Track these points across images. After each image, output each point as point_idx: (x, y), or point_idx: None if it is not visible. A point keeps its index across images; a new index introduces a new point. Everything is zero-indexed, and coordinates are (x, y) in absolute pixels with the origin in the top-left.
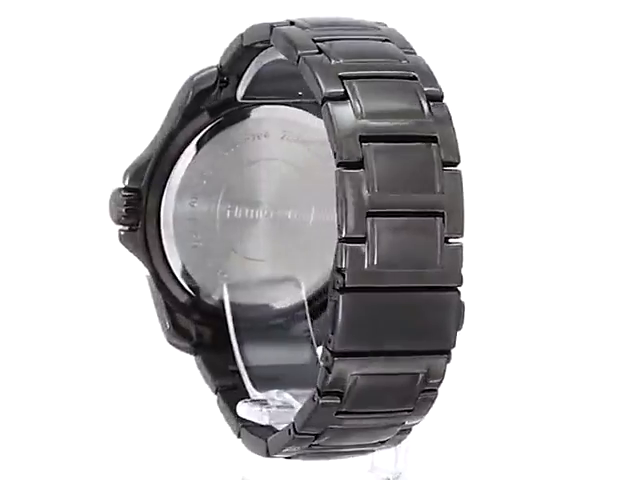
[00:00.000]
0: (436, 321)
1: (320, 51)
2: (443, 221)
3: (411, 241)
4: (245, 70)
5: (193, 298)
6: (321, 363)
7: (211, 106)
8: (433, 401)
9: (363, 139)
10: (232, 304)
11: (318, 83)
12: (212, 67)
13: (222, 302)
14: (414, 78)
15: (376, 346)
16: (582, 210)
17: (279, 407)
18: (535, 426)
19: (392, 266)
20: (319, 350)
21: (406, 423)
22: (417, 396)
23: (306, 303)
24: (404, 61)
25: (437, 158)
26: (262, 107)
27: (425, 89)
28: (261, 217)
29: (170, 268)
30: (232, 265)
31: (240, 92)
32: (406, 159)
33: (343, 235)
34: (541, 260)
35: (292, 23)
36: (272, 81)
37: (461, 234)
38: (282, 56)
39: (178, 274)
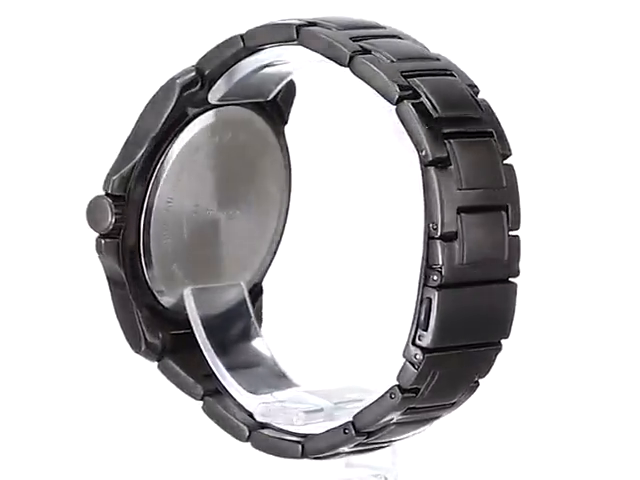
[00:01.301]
0: (502, 312)
1: (365, 50)
2: (507, 214)
3: (489, 235)
4: (225, 72)
5: (160, 304)
6: (404, 359)
7: (188, 108)
8: (474, 392)
9: (445, 136)
10: (193, 308)
11: (387, 82)
12: (190, 69)
13: (182, 306)
14: (453, 75)
15: (460, 341)
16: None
17: (311, 411)
18: (532, 426)
19: (476, 261)
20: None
21: (442, 416)
22: (468, 388)
23: (248, 300)
24: (436, 59)
25: (498, 152)
26: (222, 109)
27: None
28: (213, 219)
29: (144, 275)
30: (193, 269)
31: (217, 95)
32: (480, 154)
33: (439, 233)
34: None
35: (312, 24)
36: (242, 83)
37: (519, 226)
38: (273, 59)
39: (150, 281)
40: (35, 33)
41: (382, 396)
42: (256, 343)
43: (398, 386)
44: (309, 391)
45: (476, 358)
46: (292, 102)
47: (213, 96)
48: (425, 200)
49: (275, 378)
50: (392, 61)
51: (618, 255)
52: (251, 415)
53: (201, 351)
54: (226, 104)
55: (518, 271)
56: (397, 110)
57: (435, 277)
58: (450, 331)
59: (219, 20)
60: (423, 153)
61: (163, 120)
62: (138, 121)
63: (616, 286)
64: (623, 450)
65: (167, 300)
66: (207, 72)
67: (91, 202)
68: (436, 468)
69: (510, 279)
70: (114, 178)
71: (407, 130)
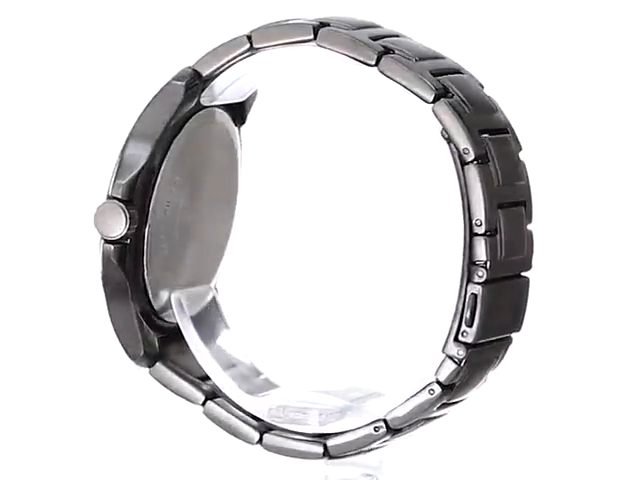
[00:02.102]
0: (520, 306)
1: (388, 50)
2: (525, 209)
3: (518, 230)
4: (222, 74)
5: (153, 309)
6: (444, 355)
7: (185, 111)
8: (481, 386)
9: (481, 132)
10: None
11: (422, 81)
12: (188, 71)
13: (167, 310)
14: (463, 73)
15: (492, 335)
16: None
17: (333, 411)
18: (515, 422)
19: (510, 256)
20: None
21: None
22: (482, 383)
23: (218, 300)
24: (443, 58)
25: (515, 148)
26: (206, 110)
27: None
28: (196, 221)
29: (144, 281)
30: (180, 272)
31: (209, 97)
32: (506, 150)
33: (484, 229)
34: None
35: (325, 24)
36: (233, 85)
37: (532, 220)
38: (278, 60)
39: (149, 286)
40: (33, 33)
41: (419, 392)
42: (235, 343)
43: (438, 382)
44: (314, 391)
45: (496, 352)
46: (253, 103)
47: (206, 98)
48: (465, 197)
49: (257, 377)
50: (416, 60)
51: (609, 249)
52: (254, 417)
53: (190, 355)
54: (213, 106)
55: (531, 265)
56: (434, 109)
57: (480, 273)
58: (489, 326)
59: (200, 22)
60: (466, 151)
61: (167, 123)
62: (138, 124)
63: (610, 280)
64: (624, 450)
65: (157, 304)
66: (205, 74)
67: (102, 207)
68: (422, 465)
69: (527, 272)
70: (123, 183)
71: (446, 128)
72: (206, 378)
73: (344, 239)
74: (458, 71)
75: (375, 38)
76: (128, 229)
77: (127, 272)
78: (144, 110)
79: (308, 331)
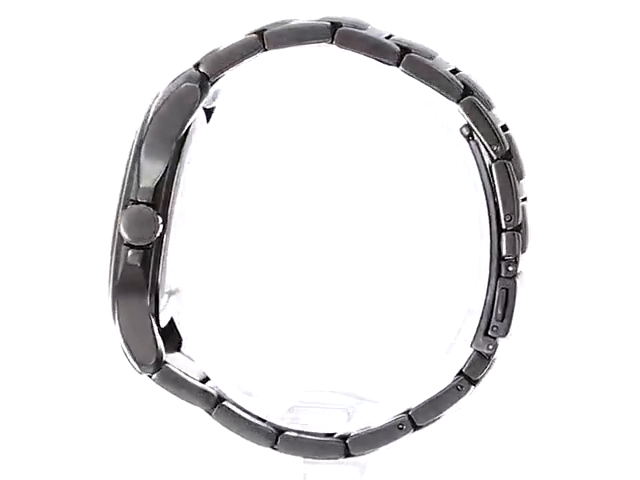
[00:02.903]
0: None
1: (406, 49)
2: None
3: (527, 224)
4: (225, 74)
5: (157, 312)
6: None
7: (195, 113)
8: None
9: (503, 128)
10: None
11: (449, 79)
12: (194, 72)
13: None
14: (462, 70)
15: (514, 327)
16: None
17: (353, 411)
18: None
19: (526, 248)
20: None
21: None
22: None
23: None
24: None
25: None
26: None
27: None
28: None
29: (157, 284)
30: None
31: (210, 100)
32: (516, 145)
33: (515, 224)
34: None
35: (335, 24)
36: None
37: None
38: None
39: (160, 290)
40: (32, 32)
41: (447, 388)
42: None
43: (467, 377)
44: (319, 391)
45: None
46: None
47: (206, 101)
48: (492, 193)
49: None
50: (433, 60)
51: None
52: (260, 418)
53: (184, 358)
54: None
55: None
56: (461, 107)
57: (511, 268)
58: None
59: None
60: (497, 147)
61: (183, 126)
62: (154, 127)
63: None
64: (623, 450)
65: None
66: (212, 75)
67: (133, 212)
68: (406, 464)
69: None
70: (150, 187)
71: (474, 125)
72: (206, 380)
73: (360, 236)
74: (458, 69)
75: (387, 38)
76: (156, 234)
77: (147, 276)
78: (156, 112)
79: (305, 331)
